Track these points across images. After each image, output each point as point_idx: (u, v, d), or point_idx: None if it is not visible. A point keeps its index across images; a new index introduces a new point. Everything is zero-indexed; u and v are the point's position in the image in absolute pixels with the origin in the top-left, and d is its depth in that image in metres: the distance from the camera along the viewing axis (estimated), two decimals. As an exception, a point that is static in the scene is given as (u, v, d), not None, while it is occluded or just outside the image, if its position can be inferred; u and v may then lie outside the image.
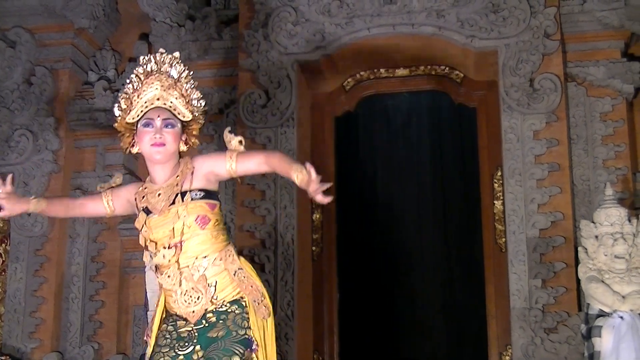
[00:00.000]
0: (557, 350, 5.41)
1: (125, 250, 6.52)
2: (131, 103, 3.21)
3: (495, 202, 6.12)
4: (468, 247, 6.42)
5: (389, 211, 6.71)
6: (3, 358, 6.07)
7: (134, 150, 3.27)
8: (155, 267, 3.19)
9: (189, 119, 3.25)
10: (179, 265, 3.12)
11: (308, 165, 2.95)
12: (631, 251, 4.87)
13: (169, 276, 3.13)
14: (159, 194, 3.19)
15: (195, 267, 3.13)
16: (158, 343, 3.16)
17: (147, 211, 3.18)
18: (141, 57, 3.29)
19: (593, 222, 5.02)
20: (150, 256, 3.19)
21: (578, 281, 5.18)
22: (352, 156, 6.70)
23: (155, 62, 3.24)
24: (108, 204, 3.32)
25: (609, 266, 4.87)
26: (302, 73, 6.24)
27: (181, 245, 3.12)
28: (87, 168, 6.68)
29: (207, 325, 3.12)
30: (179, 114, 3.22)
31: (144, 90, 3.20)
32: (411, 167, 6.73)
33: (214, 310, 3.14)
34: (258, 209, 5.96)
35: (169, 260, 3.12)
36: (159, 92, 3.20)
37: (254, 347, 3.14)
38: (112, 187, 3.36)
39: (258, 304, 3.20)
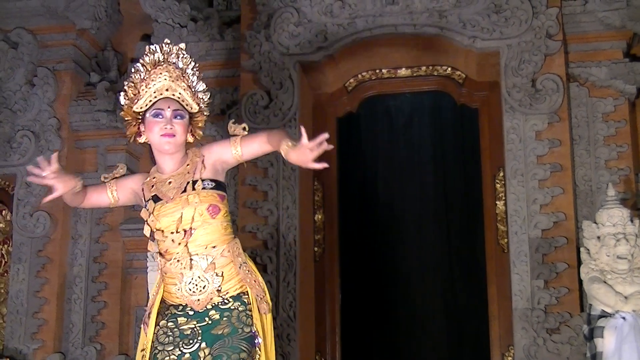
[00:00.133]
0: (560, 351, 5.40)
1: (127, 251, 6.53)
2: (138, 92, 3.23)
3: (498, 202, 6.11)
4: (470, 248, 6.42)
5: (391, 212, 6.71)
6: (5, 360, 6.09)
7: (141, 139, 3.30)
8: (161, 254, 3.18)
9: (195, 111, 3.29)
10: (188, 250, 3.13)
11: (302, 129, 2.97)
12: (633, 252, 4.87)
13: (178, 260, 3.13)
14: (170, 182, 3.21)
15: (204, 256, 3.14)
16: (160, 341, 3.14)
17: (156, 199, 3.19)
18: (147, 47, 3.30)
19: (595, 222, 5.01)
20: (157, 244, 3.19)
21: (580, 282, 5.17)
22: (354, 157, 6.70)
23: (162, 53, 3.26)
24: (112, 194, 3.32)
25: (611, 267, 4.86)
26: (304, 74, 6.24)
27: (191, 232, 3.13)
28: (89, 169, 6.68)
29: (210, 322, 3.13)
30: (187, 105, 3.25)
31: (152, 80, 3.22)
32: (413, 167, 6.73)
33: (217, 306, 3.15)
34: (260, 209, 5.96)
35: (179, 244, 3.13)
36: (168, 82, 3.22)
37: (258, 342, 3.17)
38: (116, 177, 3.36)
39: (260, 299, 3.23)
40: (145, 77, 3.24)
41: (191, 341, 3.10)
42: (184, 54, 3.30)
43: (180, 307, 3.18)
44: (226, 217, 3.23)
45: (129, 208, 6.35)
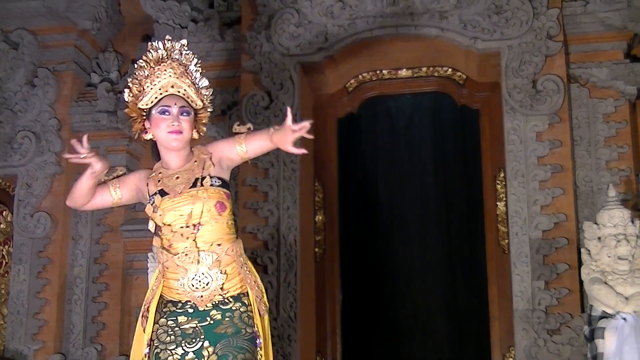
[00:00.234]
0: (560, 352, 5.40)
1: (127, 251, 6.53)
2: (143, 89, 3.24)
3: (498, 203, 6.11)
4: (471, 249, 6.42)
5: (391, 213, 6.70)
6: (6, 360, 6.09)
7: (147, 136, 3.31)
8: (165, 249, 3.18)
9: (200, 107, 3.32)
10: (196, 244, 3.14)
11: (288, 109, 3.05)
12: (634, 252, 4.86)
13: (186, 255, 3.14)
14: (177, 177, 3.23)
15: (209, 253, 3.15)
16: (161, 340, 3.15)
17: (163, 194, 3.20)
18: (149, 43, 3.31)
19: (596, 223, 5.01)
20: (162, 239, 3.19)
21: (581, 283, 5.16)
22: (354, 158, 6.69)
23: (165, 49, 3.28)
24: (115, 192, 3.31)
25: (612, 268, 4.86)
26: (305, 74, 6.24)
27: (199, 227, 3.15)
28: (90, 169, 6.67)
29: (212, 322, 3.14)
30: (192, 102, 3.28)
31: (157, 77, 3.24)
32: (414, 168, 6.72)
33: (218, 306, 3.15)
34: (261, 210, 5.96)
35: (187, 238, 3.14)
36: (173, 79, 3.25)
37: (259, 342, 3.19)
38: (119, 175, 3.37)
39: (259, 300, 3.24)
40: (149, 74, 3.25)
41: (194, 340, 3.11)
42: (186, 51, 3.32)
43: (180, 305, 3.18)
44: (231, 216, 3.25)
45: (129, 209, 6.35)
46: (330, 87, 6.50)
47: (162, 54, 3.27)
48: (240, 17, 6.43)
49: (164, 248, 3.18)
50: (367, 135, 6.82)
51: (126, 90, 3.31)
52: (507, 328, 5.80)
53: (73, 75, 6.74)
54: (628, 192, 5.76)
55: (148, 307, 3.23)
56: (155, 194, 3.21)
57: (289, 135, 3.02)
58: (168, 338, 3.14)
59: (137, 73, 3.29)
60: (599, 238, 4.95)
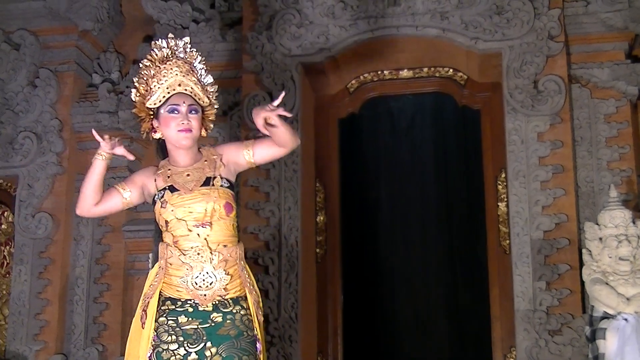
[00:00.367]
0: (562, 353, 5.40)
1: (129, 252, 6.53)
2: (150, 88, 3.26)
3: (499, 204, 6.10)
4: (472, 249, 6.42)
5: (392, 213, 6.71)
6: (7, 361, 6.09)
7: (156, 135, 3.33)
8: (172, 245, 3.19)
9: (206, 104, 3.34)
10: (208, 243, 3.17)
11: (282, 94, 3.24)
12: (635, 253, 4.86)
13: (198, 253, 3.15)
14: (188, 175, 3.25)
15: (216, 253, 3.17)
16: (162, 339, 3.14)
17: (172, 190, 3.22)
18: (153, 42, 3.34)
19: (597, 224, 5.01)
20: (172, 235, 3.20)
21: (582, 283, 5.17)
22: (356, 158, 6.70)
23: (168, 48, 3.29)
24: (124, 191, 3.29)
25: (613, 268, 4.86)
26: (306, 75, 6.24)
27: (210, 226, 3.17)
28: (91, 170, 6.67)
29: (213, 324, 3.14)
30: (199, 99, 3.29)
31: (163, 76, 3.26)
32: (415, 169, 6.73)
33: (218, 308, 3.16)
34: (262, 211, 5.96)
35: (199, 235, 3.16)
36: (179, 77, 3.26)
37: (259, 347, 3.21)
38: (123, 180, 3.40)
39: (257, 305, 3.26)
40: (155, 73, 3.26)
41: (196, 341, 3.11)
42: (190, 49, 3.34)
43: (179, 303, 3.18)
44: (235, 219, 3.28)
45: (131, 209, 6.33)
46: (332, 88, 6.50)
47: (167, 53, 3.29)
48: (241, 18, 6.43)
49: (170, 245, 3.20)
50: (368, 136, 6.83)
51: (133, 90, 3.33)
52: (508, 328, 5.80)
53: (74, 75, 6.74)
54: (629, 193, 5.76)
55: (148, 302, 3.23)
56: (165, 189, 3.22)
57: (266, 109, 3.11)
58: (169, 338, 3.14)
59: (142, 72, 3.31)
60: (600, 239, 4.95)
